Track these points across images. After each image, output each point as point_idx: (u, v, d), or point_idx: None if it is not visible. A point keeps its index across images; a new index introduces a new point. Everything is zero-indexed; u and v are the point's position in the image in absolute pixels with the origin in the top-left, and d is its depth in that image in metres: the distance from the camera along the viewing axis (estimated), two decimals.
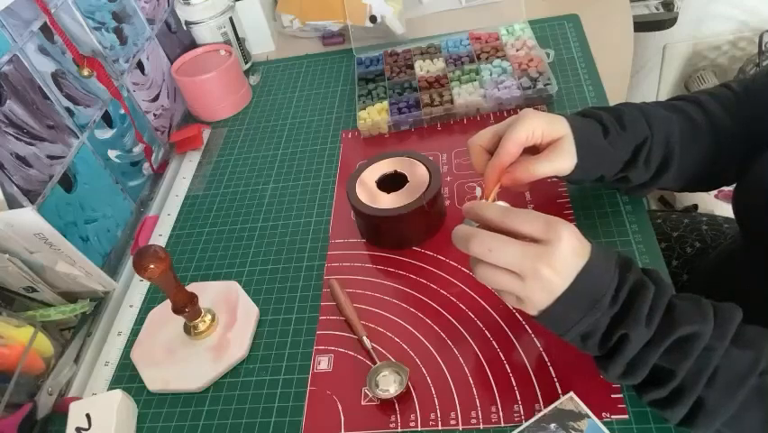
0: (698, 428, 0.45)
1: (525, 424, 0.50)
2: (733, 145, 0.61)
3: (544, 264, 0.44)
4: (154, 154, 0.92)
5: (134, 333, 0.69)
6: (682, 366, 0.43)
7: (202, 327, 0.64)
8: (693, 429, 0.45)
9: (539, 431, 0.49)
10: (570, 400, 0.50)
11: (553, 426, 0.49)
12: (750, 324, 0.45)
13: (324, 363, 0.61)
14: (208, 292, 0.68)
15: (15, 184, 0.65)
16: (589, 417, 0.49)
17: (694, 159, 0.61)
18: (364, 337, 0.61)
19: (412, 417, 0.55)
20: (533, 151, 0.58)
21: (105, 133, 0.81)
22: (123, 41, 0.88)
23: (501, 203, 0.51)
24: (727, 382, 0.43)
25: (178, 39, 1.04)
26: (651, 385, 0.46)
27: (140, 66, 0.91)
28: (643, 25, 1.32)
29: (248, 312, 0.66)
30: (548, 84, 0.82)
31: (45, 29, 0.72)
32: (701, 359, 0.43)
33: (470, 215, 0.50)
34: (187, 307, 0.62)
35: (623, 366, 0.46)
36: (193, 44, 1.03)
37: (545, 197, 0.70)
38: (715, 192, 1.32)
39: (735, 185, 0.62)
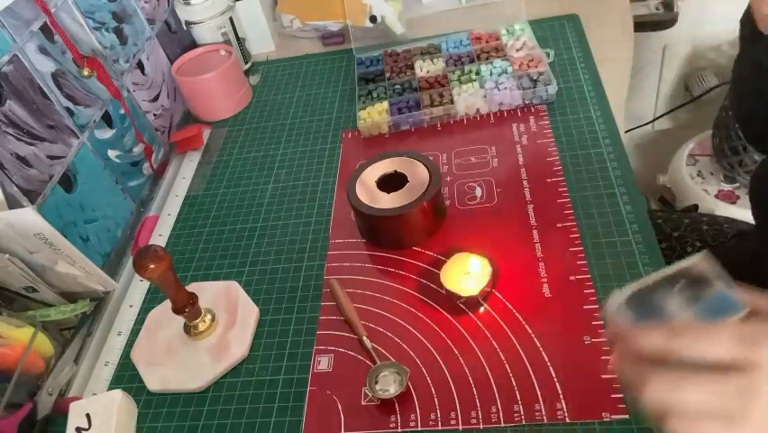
0: None
1: (653, 276, 0.40)
2: None
3: (755, 402, 0.32)
4: (154, 154, 0.92)
5: (134, 333, 0.69)
6: None
7: (202, 327, 0.64)
8: None
9: (663, 291, 0.39)
10: (703, 260, 0.39)
11: (678, 286, 0.39)
12: None
13: (324, 363, 0.61)
14: (208, 292, 0.68)
15: (15, 184, 0.65)
16: (714, 285, 0.38)
17: None
18: (364, 337, 0.61)
19: (412, 417, 0.55)
20: None
21: (105, 133, 0.81)
22: (123, 41, 0.88)
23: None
24: None
25: (178, 39, 1.04)
26: None
27: (140, 66, 0.91)
28: (643, 25, 1.32)
29: (248, 312, 0.66)
30: (548, 84, 0.82)
31: (45, 29, 0.72)
32: None
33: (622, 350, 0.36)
34: (187, 307, 0.62)
35: None
36: (193, 44, 1.03)
37: (545, 197, 0.70)
38: (715, 192, 1.33)
39: (750, 175, 0.60)
